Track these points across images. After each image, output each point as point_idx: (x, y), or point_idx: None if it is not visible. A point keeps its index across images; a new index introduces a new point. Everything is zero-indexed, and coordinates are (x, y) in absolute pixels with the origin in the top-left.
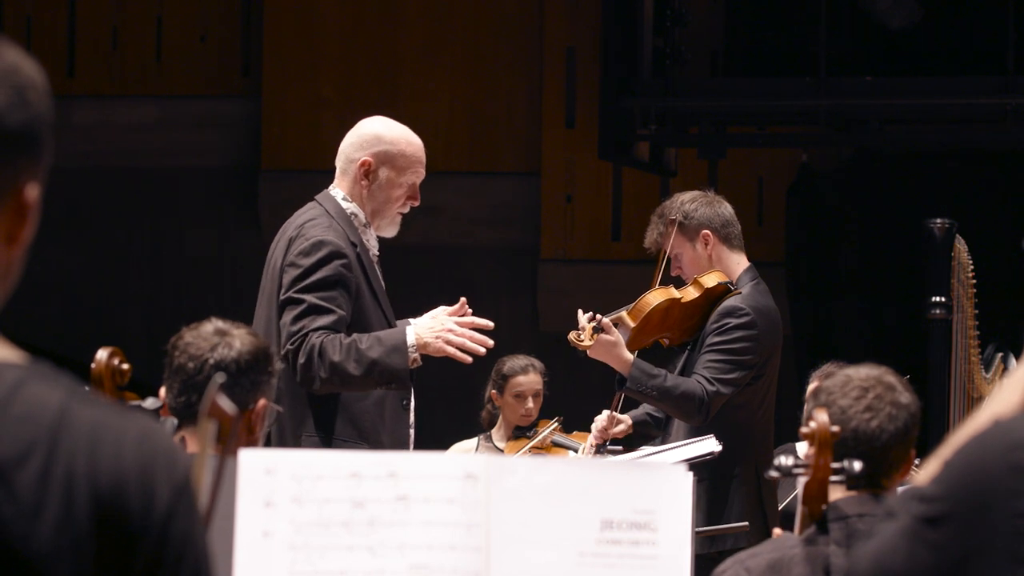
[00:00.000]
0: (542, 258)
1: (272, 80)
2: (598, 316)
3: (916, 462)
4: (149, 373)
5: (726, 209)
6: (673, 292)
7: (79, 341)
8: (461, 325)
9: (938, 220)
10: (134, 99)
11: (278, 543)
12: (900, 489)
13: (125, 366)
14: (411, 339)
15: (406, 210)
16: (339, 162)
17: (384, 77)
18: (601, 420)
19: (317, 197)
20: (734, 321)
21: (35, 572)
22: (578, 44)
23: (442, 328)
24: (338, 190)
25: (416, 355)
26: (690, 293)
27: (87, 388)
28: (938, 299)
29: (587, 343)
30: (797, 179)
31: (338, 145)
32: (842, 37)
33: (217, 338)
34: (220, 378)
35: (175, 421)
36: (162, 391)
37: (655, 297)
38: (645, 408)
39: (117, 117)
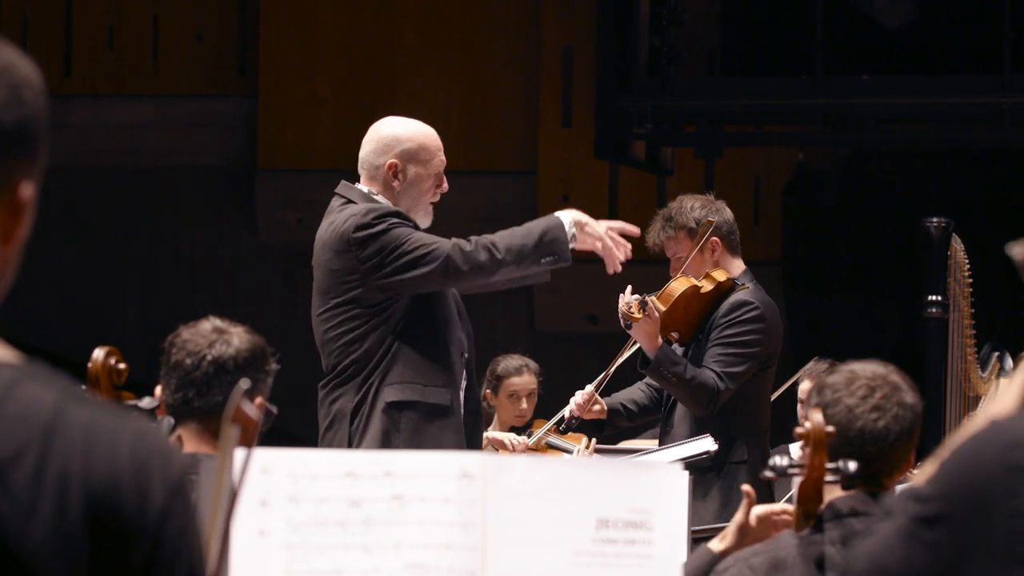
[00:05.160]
0: None
1: (268, 79)
2: (643, 295)
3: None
4: (146, 372)
5: (729, 214)
6: (694, 281)
7: (75, 340)
8: (611, 228)
9: (934, 219)
10: (130, 98)
11: (274, 542)
12: (898, 488)
13: (122, 366)
14: (568, 219)
15: (436, 199)
16: (363, 169)
17: (380, 76)
18: (581, 395)
19: (338, 190)
20: (745, 315)
21: (29, 571)
22: (574, 43)
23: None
24: (363, 186)
25: (573, 232)
26: (706, 285)
27: (82, 388)
28: (934, 298)
29: (637, 315)
30: (793, 178)
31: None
32: (838, 36)
33: (215, 335)
34: (245, 384)
35: (171, 420)
36: (158, 389)
37: (680, 285)
38: (621, 399)
39: (113, 116)
